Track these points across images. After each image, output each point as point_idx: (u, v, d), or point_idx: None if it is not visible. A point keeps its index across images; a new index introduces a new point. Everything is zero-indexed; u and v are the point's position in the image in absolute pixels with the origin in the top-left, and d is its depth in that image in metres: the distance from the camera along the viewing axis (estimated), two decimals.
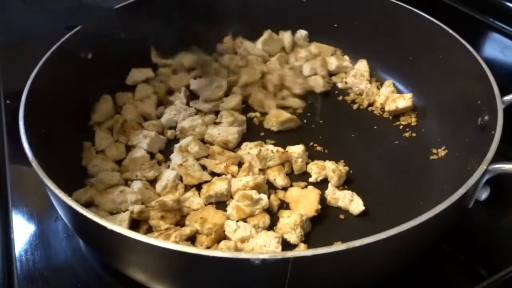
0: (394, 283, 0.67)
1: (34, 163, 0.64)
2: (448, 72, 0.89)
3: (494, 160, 0.63)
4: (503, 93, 0.73)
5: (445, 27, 0.89)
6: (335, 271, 0.58)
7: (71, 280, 0.70)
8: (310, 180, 0.81)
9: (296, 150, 0.83)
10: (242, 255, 0.51)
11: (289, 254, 0.51)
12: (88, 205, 0.75)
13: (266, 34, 1.07)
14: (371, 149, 0.88)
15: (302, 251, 0.51)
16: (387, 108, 0.94)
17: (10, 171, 0.86)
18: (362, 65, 1.03)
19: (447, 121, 0.87)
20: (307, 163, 0.84)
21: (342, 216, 0.76)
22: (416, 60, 0.97)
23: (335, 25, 1.06)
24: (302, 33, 1.09)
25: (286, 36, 1.08)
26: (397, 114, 0.94)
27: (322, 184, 0.80)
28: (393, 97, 0.95)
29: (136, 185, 0.78)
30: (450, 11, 1.16)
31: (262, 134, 0.91)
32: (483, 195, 0.66)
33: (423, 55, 0.95)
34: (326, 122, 0.94)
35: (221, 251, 0.52)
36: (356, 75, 1.01)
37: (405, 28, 0.97)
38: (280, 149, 0.82)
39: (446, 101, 0.89)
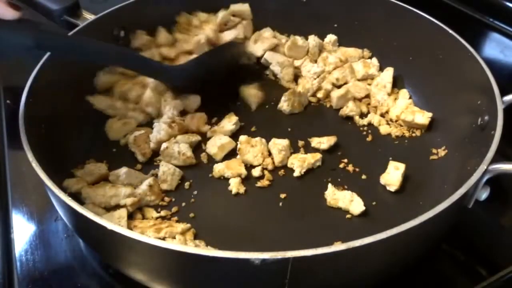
0: (394, 283, 0.67)
1: (34, 163, 0.64)
2: (448, 72, 0.88)
3: (494, 160, 0.63)
4: (503, 93, 0.73)
5: (445, 27, 0.89)
6: (335, 271, 0.58)
7: (71, 280, 0.71)
8: (295, 174, 0.81)
9: (281, 143, 0.83)
10: (242, 255, 0.51)
11: (289, 254, 0.51)
12: (78, 194, 0.75)
13: (290, 40, 1.03)
14: (371, 149, 0.88)
15: (302, 251, 0.51)
16: (403, 116, 0.90)
17: (10, 171, 0.86)
18: (387, 75, 0.98)
19: (447, 121, 0.87)
20: (287, 157, 0.84)
21: (342, 216, 0.76)
22: (415, 60, 0.97)
23: (335, 25, 1.06)
24: (331, 38, 1.05)
25: (311, 41, 1.03)
26: (411, 126, 0.90)
27: (322, 185, 0.80)
28: (412, 109, 0.91)
29: (123, 170, 0.78)
30: (450, 11, 1.16)
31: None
32: (483, 195, 0.66)
33: (422, 55, 0.95)
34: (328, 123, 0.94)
35: (221, 251, 0.52)
36: (378, 85, 0.97)
37: (404, 28, 0.97)
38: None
39: (445, 101, 0.88)
